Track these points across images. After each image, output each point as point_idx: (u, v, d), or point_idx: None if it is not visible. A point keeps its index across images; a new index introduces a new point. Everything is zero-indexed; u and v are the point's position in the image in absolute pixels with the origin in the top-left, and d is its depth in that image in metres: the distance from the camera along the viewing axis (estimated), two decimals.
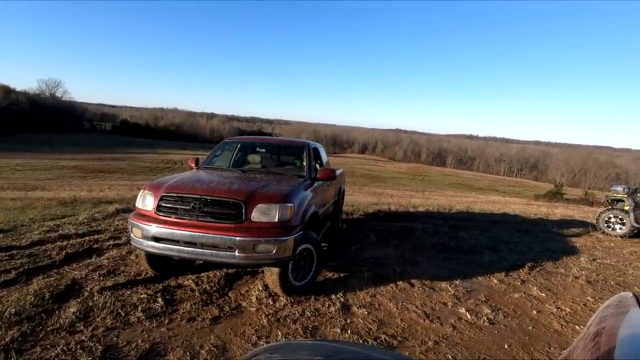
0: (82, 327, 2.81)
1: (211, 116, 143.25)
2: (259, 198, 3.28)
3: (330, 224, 5.58)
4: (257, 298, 3.52)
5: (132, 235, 3.50)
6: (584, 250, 6.47)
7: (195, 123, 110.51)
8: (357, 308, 3.46)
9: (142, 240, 3.38)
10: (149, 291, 3.50)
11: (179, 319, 3.05)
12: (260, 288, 3.70)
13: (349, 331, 3.04)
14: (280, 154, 5.26)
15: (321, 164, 5.37)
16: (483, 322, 3.39)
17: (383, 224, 7.48)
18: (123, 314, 3.05)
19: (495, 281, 4.49)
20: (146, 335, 2.77)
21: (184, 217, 3.28)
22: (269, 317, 3.19)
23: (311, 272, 3.76)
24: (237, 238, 3.09)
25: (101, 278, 3.75)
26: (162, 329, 2.88)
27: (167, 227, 3.24)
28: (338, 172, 6.45)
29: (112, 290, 3.46)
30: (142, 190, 3.63)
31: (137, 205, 3.60)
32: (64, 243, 4.75)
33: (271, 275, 3.43)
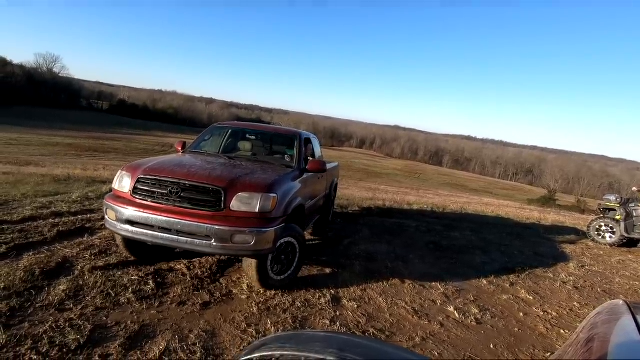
0: (71, 306, 2.80)
1: (210, 101, 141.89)
2: (241, 186, 3.15)
3: (320, 218, 5.54)
4: (248, 286, 3.52)
5: (106, 217, 3.35)
6: (573, 257, 6.55)
7: (194, 107, 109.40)
8: (347, 301, 3.49)
9: (115, 222, 3.24)
10: (140, 273, 3.49)
11: (169, 302, 3.06)
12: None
13: (338, 323, 3.06)
14: (270, 142, 5.09)
15: (313, 156, 5.24)
16: (470, 322, 3.43)
17: (377, 220, 7.51)
18: (113, 295, 3.04)
19: (485, 282, 4.54)
20: (136, 317, 2.77)
21: (160, 201, 3.14)
22: (259, 305, 3.20)
23: (292, 266, 3.63)
24: (214, 226, 2.96)
25: (92, 257, 3.73)
26: (152, 312, 2.88)
27: (142, 210, 3.11)
28: (332, 165, 6.40)
29: (103, 270, 3.45)
30: (120, 171, 3.46)
31: (113, 186, 3.44)
32: (56, 220, 4.72)
33: (249, 267, 3.33)
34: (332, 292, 3.64)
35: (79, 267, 3.47)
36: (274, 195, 3.20)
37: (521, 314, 3.76)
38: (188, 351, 2.44)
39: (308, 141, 5.12)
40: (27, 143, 30.22)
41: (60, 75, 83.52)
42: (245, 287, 3.51)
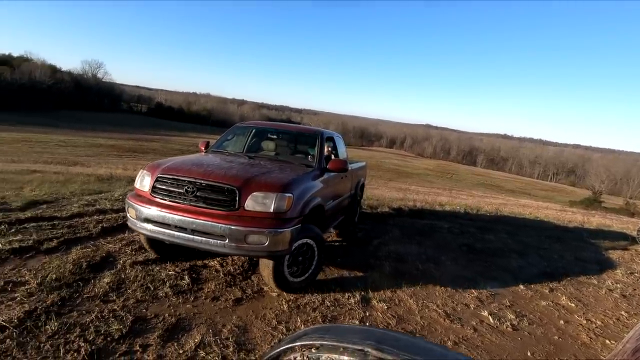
0: (114, 297, 2.98)
1: (242, 103, 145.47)
2: (255, 186, 3.12)
3: (345, 218, 5.44)
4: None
5: (128, 215, 3.43)
6: (621, 263, 6.13)
7: (226, 109, 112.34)
8: (377, 302, 3.46)
9: (136, 221, 3.31)
10: (176, 269, 3.64)
11: (203, 297, 3.17)
12: None
13: (367, 323, 3.05)
14: (291, 141, 5.00)
15: (336, 155, 5.10)
16: (506, 327, 3.30)
17: (407, 220, 7.39)
18: (152, 288, 3.20)
19: (522, 287, 4.35)
20: (172, 310, 2.91)
21: (177, 200, 3.17)
22: (289, 303, 3.25)
23: (310, 268, 3.54)
24: (228, 226, 2.93)
25: (133, 253, 3.94)
26: (188, 306, 3.01)
27: (159, 209, 3.15)
28: (357, 165, 6.34)
29: (143, 265, 3.63)
30: (141, 170, 3.54)
31: (135, 185, 3.52)
32: (100, 217, 5.02)
33: (265, 268, 3.27)
34: (362, 292, 3.63)
35: (121, 261, 3.68)
36: (290, 195, 3.14)
37: (562, 322, 3.57)
38: (221, 345, 2.53)
39: (330, 140, 5.05)
40: (74, 145, 32.29)
41: (103, 80, 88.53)
42: (274, 285, 3.58)
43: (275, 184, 3.19)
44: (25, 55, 72.88)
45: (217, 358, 2.38)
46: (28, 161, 15.34)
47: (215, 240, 2.98)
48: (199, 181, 3.15)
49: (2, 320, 2.44)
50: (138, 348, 2.39)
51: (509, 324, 3.37)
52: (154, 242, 3.71)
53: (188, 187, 3.14)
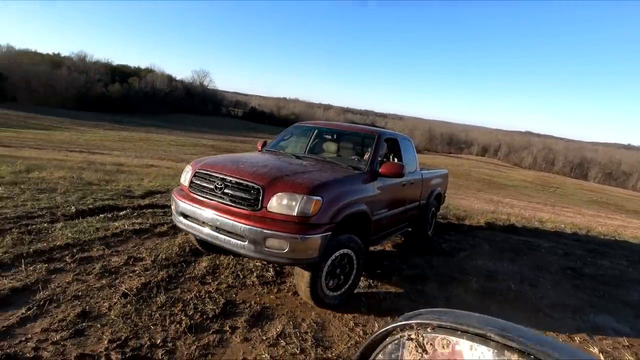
0: (210, 280, 3.32)
1: (328, 107, 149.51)
2: (282, 185, 2.89)
3: (413, 230, 5.10)
4: (359, 286, 3.60)
5: (172, 208, 3.49)
6: None
7: (313, 113, 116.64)
8: None
9: (175, 214, 3.36)
10: (262, 261, 3.90)
11: (285, 290, 3.34)
12: (364, 275, 3.77)
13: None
14: (345, 141, 4.63)
15: (400, 160, 4.56)
16: None
17: (499, 235, 6.76)
18: (241, 276, 3.48)
19: None
20: (258, 299, 3.12)
21: (207, 196, 3.12)
22: (370, 306, 3.23)
23: (348, 282, 3.23)
24: (248, 227, 2.75)
25: None
26: (272, 296, 3.20)
27: (192, 204, 3.13)
28: (435, 172, 5.91)
29: (235, 254, 3.97)
30: (187, 165, 3.56)
31: (181, 180, 3.55)
32: None
33: (301, 279, 2.99)
34: (444, 303, 3.43)
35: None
36: (318, 198, 2.83)
37: None
38: (300, 338, 2.63)
39: (392, 142, 4.57)
40: (182, 144, 36.85)
41: (208, 87, 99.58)
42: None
43: (304, 185, 2.92)
44: (149, 67, 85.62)
45: (296, 350, 2.49)
46: (147, 157, 18.01)
47: (236, 241, 2.84)
48: (229, 178, 3.05)
49: (125, 289, 2.91)
50: (228, 329, 2.63)
51: None
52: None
53: (218, 184, 3.07)
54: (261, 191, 2.86)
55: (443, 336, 0.58)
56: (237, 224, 2.80)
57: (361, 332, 2.84)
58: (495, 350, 0.52)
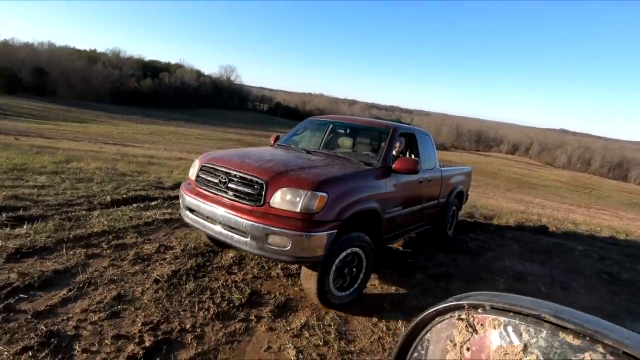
0: (236, 270, 3.41)
1: (353, 103, 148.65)
2: (285, 180, 2.79)
3: (430, 229, 4.92)
4: (380, 282, 3.60)
5: (180, 202, 3.46)
6: None
7: (337, 108, 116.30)
8: None
9: (182, 208, 3.36)
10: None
11: None
12: (384, 271, 3.76)
13: None
14: (360, 136, 4.40)
15: (417, 155, 4.33)
16: None
17: (529, 236, 6.53)
18: (266, 268, 3.55)
19: None
20: (283, 290, 3.18)
21: (211, 190, 3.08)
22: (393, 302, 3.22)
23: (356, 282, 3.13)
24: (250, 223, 2.67)
25: None
26: (295, 288, 3.25)
27: (197, 198, 3.10)
28: (456, 170, 5.70)
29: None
30: (195, 159, 3.52)
31: (189, 173, 3.52)
32: None
33: (308, 278, 2.89)
34: None
35: None
36: (323, 194, 2.72)
37: None
38: (324, 330, 2.67)
39: (409, 137, 4.37)
40: (209, 138, 37.69)
41: (235, 82, 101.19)
42: (377, 282, 3.60)
43: (308, 180, 2.80)
44: (179, 63, 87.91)
45: (319, 341, 2.52)
46: (175, 150, 18.57)
47: (239, 237, 2.76)
48: (233, 172, 2.98)
49: (157, 275, 3.04)
50: (253, 318, 2.70)
51: None
52: None
53: (222, 178, 3.02)
54: (264, 186, 2.78)
55: (494, 317, 0.58)
56: (240, 219, 2.74)
57: (384, 328, 2.84)
58: (549, 332, 0.52)
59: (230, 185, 2.96)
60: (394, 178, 3.56)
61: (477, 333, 0.59)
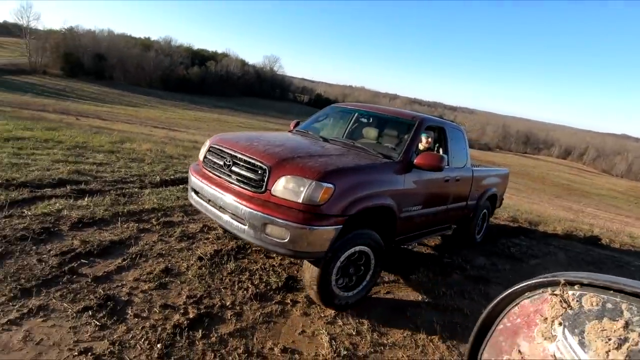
0: (274, 255, 3.51)
1: (394, 97, 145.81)
2: (290, 168, 2.60)
3: (458, 232, 4.67)
4: (415, 277, 3.56)
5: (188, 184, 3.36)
6: None
7: (378, 102, 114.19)
8: None
9: (189, 189, 3.27)
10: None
11: None
12: (420, 269, 3.72)
13: None
14: (385, 127, 4.08)
15: (445, 151, 3.99)
16: None
17: (578, 246, 6.13)
18: None
19: None
20: None
21: (215, 172, 2.98)
22: (428, 300, 3.18)
23: (362, 283, 2.90)
24: (248, 209, 2.51)
25: None
26: None
27: (202, 180, 2.99)
28: (491, 170, 5.36)
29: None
30: (206, 140, 3.40)
31: (199, 154, 3.42)
32: None
33: (308, 274, 2.69)
34: None
35: None
36: (329, 185, 2.49)
37: None
38: (357, 321, 2.70)
39: (438, 131, 4.02)
40: (250, 126, 38.73)
41: (277, 73, 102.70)
42: (412, 277, 3.57)
43: (315, 169, 2.59)
44: (225, 52, 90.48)
45: (352, 331, 2.56)
46: None
47: (238, 224, 2.61)
48: (238, 155, 2.83)
49: (201, 253, 3.21)
50: (289, 302, 2.78)
51: None
52: None
53: (226, 160, 2.89)
54: (267, 172, 2.60)
55: (592, 294, 0.57)
56: (239, 205, 2.57)
57: (418, 324, 2.81)
58: None
59: (234, 168, 2.82)
60: (415, 174, 3.27)
61: (571, 309, 0.58)
